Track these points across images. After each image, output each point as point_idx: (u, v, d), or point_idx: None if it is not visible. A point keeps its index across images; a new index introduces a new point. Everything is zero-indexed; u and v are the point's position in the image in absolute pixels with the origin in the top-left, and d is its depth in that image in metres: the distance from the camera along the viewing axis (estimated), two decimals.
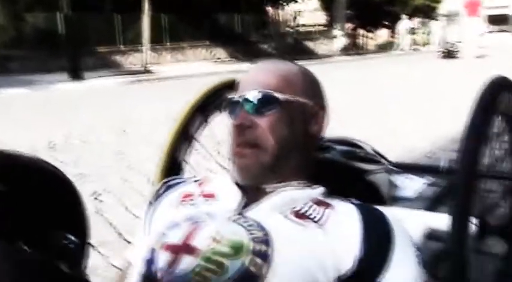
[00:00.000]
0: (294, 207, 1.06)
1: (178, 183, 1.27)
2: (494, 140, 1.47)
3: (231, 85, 1.70)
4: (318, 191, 1.13)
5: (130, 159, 5.17)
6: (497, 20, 45.32)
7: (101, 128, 7.03)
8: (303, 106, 1.16)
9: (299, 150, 1.15)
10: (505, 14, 40.85)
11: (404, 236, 1.04)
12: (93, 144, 5.98)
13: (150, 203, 1.25)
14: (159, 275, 0.97)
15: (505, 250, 1.66)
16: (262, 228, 1.00)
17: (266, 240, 0.98)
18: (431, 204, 1.59)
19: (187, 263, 0.96)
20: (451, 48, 22.06)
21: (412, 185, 1.69)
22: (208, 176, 1.26)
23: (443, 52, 21.87)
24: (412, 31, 31.07)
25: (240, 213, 1.06)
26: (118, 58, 19.72)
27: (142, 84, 13.77)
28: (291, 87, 1.15)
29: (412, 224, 1.25)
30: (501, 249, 1.74)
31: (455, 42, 22.71)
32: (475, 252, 1.35)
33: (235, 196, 1.11)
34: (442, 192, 1.67)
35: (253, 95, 1.12)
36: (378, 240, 1.00)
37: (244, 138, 1.11)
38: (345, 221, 1.02)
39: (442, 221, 1.35)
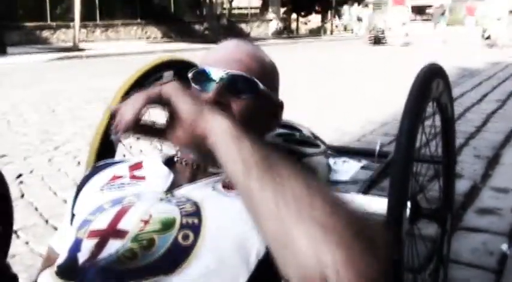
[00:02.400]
0: (225, 180, 1.03)
1: (108, 165, 1.22)
2: (426, 125, 1.51)
3: (170, 64, 1.65)
4: None
5: (57, 139, 4.97)
6: (421, 10, 47.27)
7: (26, 106, 6.73)
8: (272, 101, 1.15)
9: None
10: (429, 5, 42.37)
11: None
12: (17, 124, 5.72)
13: (77, 188, 1.19)
14: (84, 263, 0.91)
15: (435, 233, 1.72)
16: (191, 201, 0.99)
17: (196, 213, 0.96)
18: (366, 187, 1.61)
19: (114, 246, 0.91)
20: (381, 35, 22.60)
21: (347, 169, 1.71)
22: (140, 158, 1.22)
23: (373, 38, 22.34)
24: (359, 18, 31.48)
25: (170, 193, 1.03)
26: (47, 34, 19.00)
27: (71, 61, 13.33)
28: (267, 78, 1.12)
29: None
30: (432, 232, 1.80)
31: (384, 29, 23.30)
32: (408, 235, 1.37)
33: (164, 176, 1.08)
34: (375, 176, 1.69)
35: (238, 75, 1.06)
36: None
37: None
38: None
39: (377, 204, 1.38)
